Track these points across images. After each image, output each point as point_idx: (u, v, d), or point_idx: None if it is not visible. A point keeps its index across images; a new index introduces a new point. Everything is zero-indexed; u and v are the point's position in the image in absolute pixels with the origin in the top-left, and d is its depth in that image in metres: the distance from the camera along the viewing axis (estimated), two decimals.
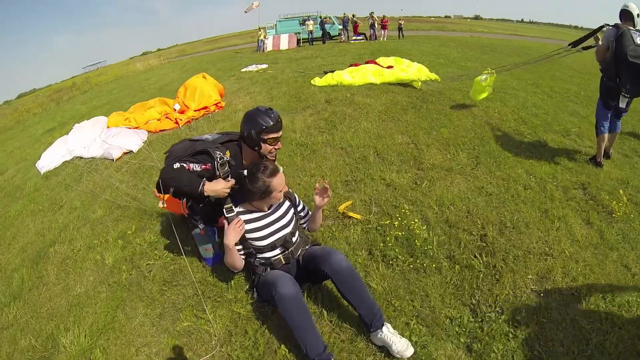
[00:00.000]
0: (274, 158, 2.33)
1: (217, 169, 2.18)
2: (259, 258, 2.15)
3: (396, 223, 2.89)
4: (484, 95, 5.78)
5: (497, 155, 4.19)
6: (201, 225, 2.57)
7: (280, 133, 2.26)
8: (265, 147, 2.22)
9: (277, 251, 2.14)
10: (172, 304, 2.48)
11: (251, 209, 2.16)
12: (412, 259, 2.55)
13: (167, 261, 2.88)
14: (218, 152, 2.19)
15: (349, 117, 5.58)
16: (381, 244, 2.71)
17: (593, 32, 4.11)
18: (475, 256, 2.55)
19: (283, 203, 2.23)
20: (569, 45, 4.72)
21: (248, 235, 2.09)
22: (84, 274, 3.04)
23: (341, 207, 3.17)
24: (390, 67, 8.11)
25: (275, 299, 1.82)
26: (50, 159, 6.31)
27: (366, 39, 20.38)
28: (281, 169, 2.14)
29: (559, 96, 7.40)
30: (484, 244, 2.66)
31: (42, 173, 6.04)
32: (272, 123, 2.15)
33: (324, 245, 2.50)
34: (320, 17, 21.05)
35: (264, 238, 2.10)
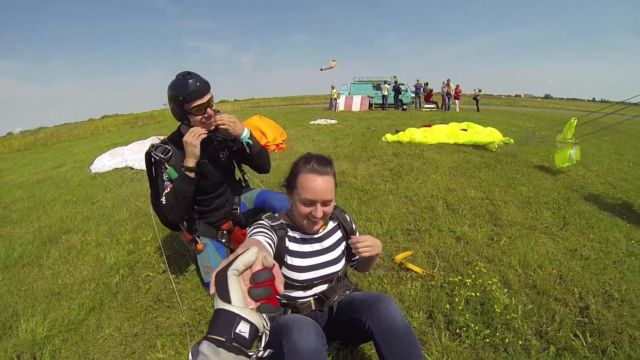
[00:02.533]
0: (210, 127, 2.00)
1: (160, 158, 1.97)
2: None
3: (468, 281, 2.36)
4: (569, 164, 5.19)
5: (587, 216, 3.57)
6: (201, 239, 2.26)
7: (207, 98, 1.91)
8: (194, 119, 1.93)
9: (310, 292, 1.50)
10: (155, 326, 2.14)
11: (292, 226, 1.52)
12: (488, 330, 1.94)
13: (170, 278, 2.59)
14: (153, 149, 2.00)
15: (416, 169, 5.29)
16: (447, 306, 2.13)
17: None
18: (576, 335, 1.93)
19: (334, 232, 1.58)
20: None
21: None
22: (81, 266, 2.97)
23: (398, 257, 2.71)
24: (464, 130, 7.85)
25: (285, 351, 1.12)
26: (102, 163, 7.06)
27: (438, 108, 20.35)
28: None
29: None
30: (587, 320, 2.04)
31: (91, 172, 6.67)
32: (190, 90, 1.83)
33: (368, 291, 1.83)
34: (395, 82, 21.45)
35: (303, 270, 1.46)
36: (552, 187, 4.55)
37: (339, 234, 1.58)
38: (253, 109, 33.42)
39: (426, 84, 22.02)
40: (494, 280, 2.38)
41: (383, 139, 8.08)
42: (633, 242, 3.06)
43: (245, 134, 2.09)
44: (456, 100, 19.92)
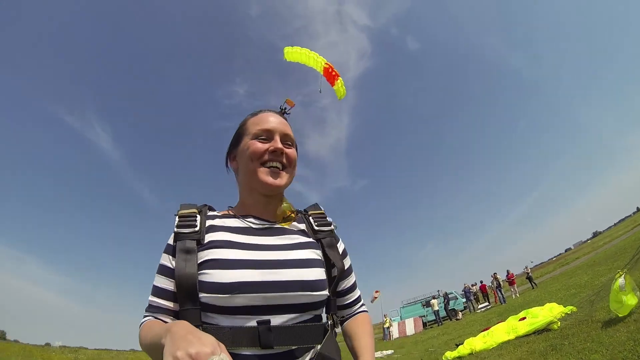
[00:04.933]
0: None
1: None
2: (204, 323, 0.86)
3: None
4: (632, 302, 4.60)
5: None
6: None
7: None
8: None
9: (247, 320, 0.85)
10: None
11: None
12: None
13: None
14: None
15: None
16: None
17: None
18: None
19: (302, 235, 1.04)
20: None
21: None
22: None
23: None
24: (522, 318, 7.42)
25: None
26: None
27: (496, 302, 19.05)
28: None
29: None
30: None
31: None
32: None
33: None
34: (444, 295, 21.03)
35: (231, 266, 0.88)
36: (625, 339, 4.07)
37: (309, 243, 1.02)
38: None
39: (473, 286, 21.41)
40: None
41: (443, 358, 7.55)
42: None
43: None
44: (511, 287, 18.83)
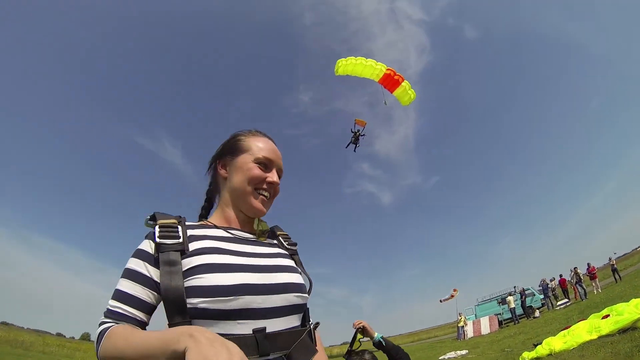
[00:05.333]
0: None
1: None
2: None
3: None
4: None
5: None
6: None
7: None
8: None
9: (245, 325, 0.87)
10: None
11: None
12: None
13: None
14: None
15: None
16: None
17: None
18: None
19: (278, 251, 1.11)
20: None
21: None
22: None
23: None
24: (606, 316, 6.91)
25: None
26: None
27: (576, 298, 17.64)
28: None
29: None
30: None
31: None
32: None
33: None
34: (521, 291, 19.90)
35: (230, 269, 0.92)
36: None
37: (286, 254, 1.13)
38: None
39: (552, 281, 20.01)
40: None
41: (521, 359, 7.23)
42: None
43: (377, 334, 2.26)
44: (593, 282, 17.36)
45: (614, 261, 18.79)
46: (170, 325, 0.81)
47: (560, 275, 19.95)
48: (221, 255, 0.91)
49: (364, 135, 14.55)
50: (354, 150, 15.38)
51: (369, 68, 10.15)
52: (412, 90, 10.74)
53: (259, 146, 1.10)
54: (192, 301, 0.82)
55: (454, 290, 22.74)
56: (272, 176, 1.09)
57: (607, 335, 6.15)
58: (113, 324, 0.83)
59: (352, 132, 14.89)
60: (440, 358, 11.86)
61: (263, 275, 0.93)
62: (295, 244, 1.21)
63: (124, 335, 0.77)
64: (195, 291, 0.83)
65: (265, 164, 1.08)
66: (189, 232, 0.97)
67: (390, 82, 10.37)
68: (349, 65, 10.31)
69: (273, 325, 0.90)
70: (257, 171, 1.06)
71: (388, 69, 10.19)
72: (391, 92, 10.67)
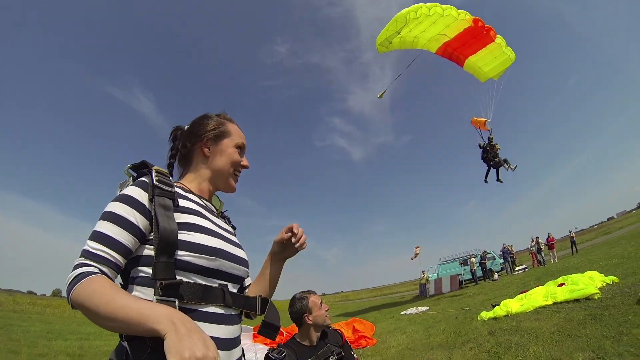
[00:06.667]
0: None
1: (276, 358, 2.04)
2: None
3: None
4: None
5: None
6: None
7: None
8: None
9: (216, 280, 1.03)
10: None
11: None
12: None
13: None
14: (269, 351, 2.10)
15: (515, 345, 4.79)
16: None
17: None
18: None
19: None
20: None
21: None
22: None
23: None
24: (561, 284, 7.29)
25: None
26: None
27: (534, 265, 18.71)
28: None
29: None
30: None
31: None
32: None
33: None
34: (482, 254, 20.85)
35: (212, 233, 1.04)
36: None
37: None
38: (342, 302, 32.98)
39: (511, 247, 21.02)
40: None
41: (479, 318, 7.58)
42: None
43: None
44: (550, 251, 18.37)
45: (574, 234, 19.80)
46: (157, 262, 0.88)
47: (549, 235, 19.48)
48: (205, 220, 1.05)
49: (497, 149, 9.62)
50: (498, 180, 10.84)
51: (449, 19, 6.88)
52: (510, 50, 7.44)
53: (238, 132, 1.28)
54: (180, 253, 0.91)
55: (416, 247, 23.53)
56: (245, 161, 1.28)
57: (562, 302, 6.42)
58: (92, 267, 0.84)
59: (481, 146, 10.49)
60: (402, 313, 12.38)
61: (231, 246, 1.09)
62: (235, 228, 1.34)
63: (102, 292, 0.77)
64: (183, 245, 0.92)
65: (241, 148, 1.27)
66: (174, 188, 1.05)
67: (477, 33, 7.00)
68: (416, 25, 7.03)
69: (230, 287, 1.07)
70: (237, 156, 1.24)
71: (476, 19, 7.08)
72: (472, 55, 7.31)
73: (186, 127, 1.28)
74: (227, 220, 1.31)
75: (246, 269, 1.17)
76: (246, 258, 1.19)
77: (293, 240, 1.22)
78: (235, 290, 1.09)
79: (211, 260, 0.97)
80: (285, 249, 1.29)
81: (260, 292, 1.25)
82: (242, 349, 1.11)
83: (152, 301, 0.83)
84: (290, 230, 1.23)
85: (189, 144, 1.23)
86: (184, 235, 0.93)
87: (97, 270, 0.83)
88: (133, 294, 0.88)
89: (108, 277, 0.85)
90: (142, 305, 0.75)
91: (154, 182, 0.97)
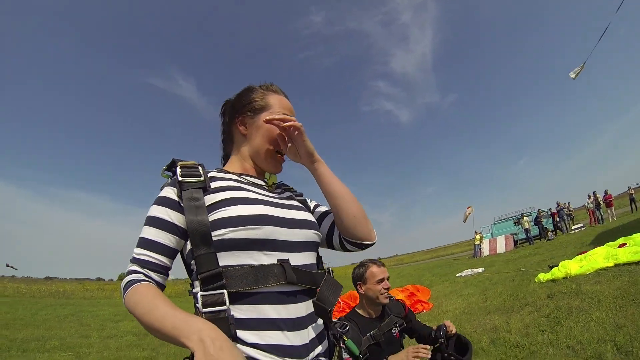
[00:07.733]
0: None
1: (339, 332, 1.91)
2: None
3: None
4: None
5: None
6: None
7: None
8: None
9: (271, 256, 0.93)
10: None
11: None
12: None
13: None
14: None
15: (575, 309, 4.89)
16: None
17: None
18: None
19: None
20: None
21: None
22: None
23: None
24: (622, 245, 6.99)
25: None
26: None
27: (591, 223, 17.84)
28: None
29: None
30: None
31: None
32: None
33: None
34: (537, 213, 20.11)
35: (252, 202, 0.96)
36: None
37: (298, 199, 1.18)
38: (397, 266, 33.39)
39: (568, 205, 20.07)
40: None
41: (536, 280, 7.49)
42: None
43: None
44: (608, 209, 17.38)
45: (632, 191, 18.43)
46: (197, 257, 0.86)
47: (606, 193, 18.23)
48: (242, 192, 0.96)
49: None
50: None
51: None
52: None
53: (280, 105, 1.11)
54: (219, 232, 0.87)
55: (468, 207, 23.11)
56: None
57: (625, 264, 6.24)
58: (139, 273, 0.87)
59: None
60: (457, 275, 12.46)
61: (282, 210, 0.98)
62: (302, 194, 1.24)
63: (144, 303, 0.79)
64: (222, 222, 0.87)
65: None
66: (209, 174, 1.01)
67: None
68: None
69: (295, 259, 0.94)
70: (274, 132, 1.08)
71: None
72: None
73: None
74: (284, 189, 1.19)
75: (313, 231, 1.04)
76: (310, 219, 1.06)
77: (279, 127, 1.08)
78: (305, 262, 0.98)
79: (255, 229, 0.88)
80: (294, 154, 1.13)
81: (337, 217, 1.10)
82: (325, 325, 1.03)
83: (198, 301, 0.83)
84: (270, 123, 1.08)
85: (228, 119, 1.17)
86: (220, 213, 0.89)
87: (142, 277, 0.86)
88: (194, 291, 0.89)
89: (153, 280, 0.88)
90: (178, 317, 0.74)
91: (179, 178, 0.94)
